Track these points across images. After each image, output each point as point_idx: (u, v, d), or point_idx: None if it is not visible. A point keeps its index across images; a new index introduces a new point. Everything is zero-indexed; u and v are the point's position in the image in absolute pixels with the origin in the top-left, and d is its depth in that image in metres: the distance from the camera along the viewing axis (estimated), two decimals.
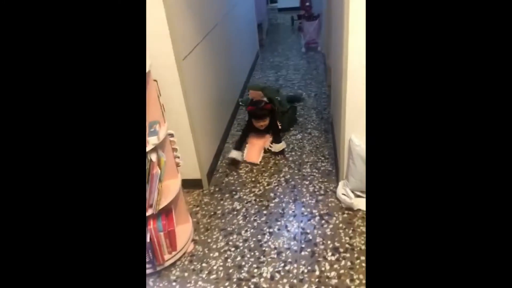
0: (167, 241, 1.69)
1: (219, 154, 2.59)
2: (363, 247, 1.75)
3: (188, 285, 1.67)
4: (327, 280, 1.62)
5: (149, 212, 1.55)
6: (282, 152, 2.53)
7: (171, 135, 1.76)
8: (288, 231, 1.90)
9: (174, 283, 1.69)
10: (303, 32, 4.67)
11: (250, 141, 2.61)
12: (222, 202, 2.16)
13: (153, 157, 1.49)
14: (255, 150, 2.55)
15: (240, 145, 2.52)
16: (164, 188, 1.71)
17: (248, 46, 4.09)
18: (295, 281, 1.63)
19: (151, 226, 1.59)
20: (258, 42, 4.65)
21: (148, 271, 1.69)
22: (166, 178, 1.75)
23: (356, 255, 1.72)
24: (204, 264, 1.77)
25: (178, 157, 1.85)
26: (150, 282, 1.70)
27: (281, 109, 2.80)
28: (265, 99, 2.65)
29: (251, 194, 2.20)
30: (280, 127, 2.68)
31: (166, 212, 1.76)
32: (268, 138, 2.60)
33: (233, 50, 3.18)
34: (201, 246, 1.88)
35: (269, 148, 2.53)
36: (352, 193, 2.00)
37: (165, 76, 1.88)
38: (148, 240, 1.56)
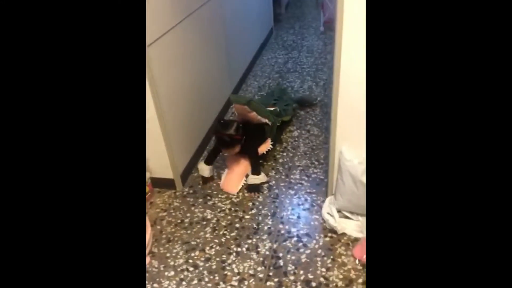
0: None
1: (201, 151, 2.32)
2: (340, 283, 1.47)
3: None
4: None
5: None
6: (257, 188, 1.95)
7: None
8: (257, 252, 1.64)
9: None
10: (323, 9, 4.21)
11: (228, 165, 2.07)
12: (193, 208, 1.93)
13: None
14: (232, 177, 2.01)
15: (210, 159, 2.03)
16: None
17: (259, 23, 3.70)
18: None
19: None
20: (273, 18, 4.24)
21: None
22: None
23: None
24: (155, 285, 1.55)
25: None
26: None
27: (282, 119, 2.29)
28: (253, 113, 1.99)
29: (227, 201, 1.94)
30: (269, 147, 2.05)
31: None
32: (248, 165, 2.02)
33: (233, 29, 2.83)
34: (158, 261, 1.66)
35: (249, 175, 1.97)
36: (338, 213, 1.70)
37: None
38: None
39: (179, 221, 1.86)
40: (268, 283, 1.51)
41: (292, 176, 2.06)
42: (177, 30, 1.90)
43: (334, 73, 1.48)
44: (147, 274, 1.60)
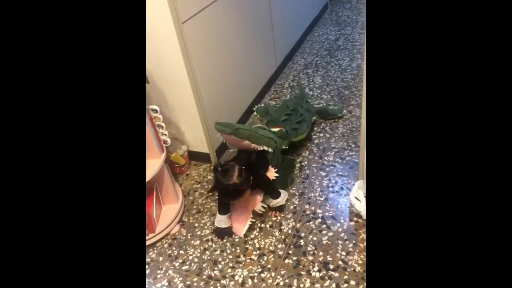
0: None
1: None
2: (358, 268, 1.45)
3: (159, 271, 1.59)
4: None
5: None
6: (280, 208, 1.73)
7: (155, 110, 1.59)
8: (280, 230, 1.66)
9: (146, 266, 1.63)
10: None
11: (233, 203, 1.69)
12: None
13: None
14: (238, 217, 1.69)
15: (225, 207, 1.66)
16: None
17: None
18: None
19: None
20: None
21: None
22: (146, 157, 1.62)
23: (345, 277, 1.42)
24: (181, 251, 1.66)
25: (165, 135, 1.69)
26: None
27: (291, 139, 1.95)
28: (246, 142, 1.63)
29: None
30: (274, 177, 1.70)
31: (147, 192, 1.66)
32: (258, 198, 1.68)
33: (280, 4, 2.76)
34: (186, 229, 1.76)
35: (260, 210, 1.67)
36: (365, 197, 1.64)
37: (161, 42, 1.67)
38: None
39: (210, 194, 1.94)
40: (286, 261, 1.53)
41: (325, 158, 2.02)
42: (215, 6, 1.92)
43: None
44: (175, 241, 1.71)
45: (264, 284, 1.46)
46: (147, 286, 1.54)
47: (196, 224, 1.78)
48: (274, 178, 1.70)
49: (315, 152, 2.08)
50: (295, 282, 1.45)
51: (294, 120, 2.01)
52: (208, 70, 1.93)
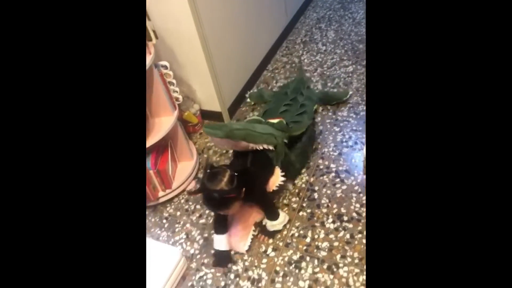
0: (159, 179, 1.64)
1: (253, 83, 2.33)
2: None
3: (177, 225, 1.65)
4: (315, 250, 1.42)
5: None
6: (272, 233, 1.49)
7: (165, 66, 1.57)
8: (293, 184, 1.68)
9: (164, 221, 1.68)
10: None
11: (238, 206, 1.35)
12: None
13: None
14: (236, 232, 1.49)
15: (220, 225, 1.44)
16: (155, 125, 1.60)
17: None
18: (281, 244, 1.47)
19: None
20: None
21: None
22: (158, 115, 1.63)
23: (359, 228, 1.45)
24: (198, 206, 1.70)
25: (177, 92, 1.68)
26: None
27: (291, 133, 1.62)
28: (242, 143, 1.38)
29: None
30: (281, 181, 1.47)
31: (162, 149, 1.68)
32: (259, 210, 1.50)
33: None
34: None
35: (263, 227, 1.50)
36: None
37: None
38: None
39: (224, 151, 1.95)
40: (301, 213, 1.56)
41: (339, 113, 1.99)
42: None
43: None
44: (191, 197, 1.75)
45: (279, 235, 1.49)
46: (166, 239, 1.59)
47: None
48: (282, 183, 1.47)
49: (328, 108, 2.05)
50: (309, 233, 1.48)
51: (294, 111, 1.77)
52: (217, 24, 1.88)
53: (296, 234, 1.49)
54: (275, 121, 1.60)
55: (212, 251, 1.48)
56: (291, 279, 1.35)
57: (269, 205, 1.47)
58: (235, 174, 1.25)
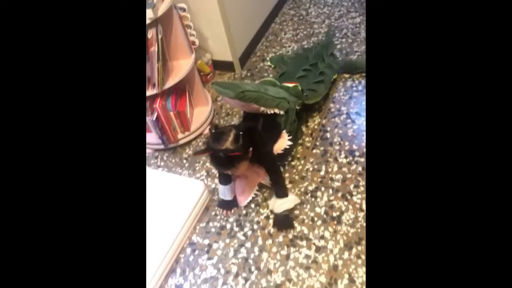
0: (178, 121, 1.71)
1: (262, 34, 2.37)
2: None
3: (197, 164, 1.73)
4: (329, 182, 1.52)
5: (152, 91, 1.54)
6: (287, 221, 1.40)
7: (183, 9, 1.61)
8: (307, 126, 1.76)
9: (184, 161, 1.77)
10: None
11: (245, 166, 1.33)
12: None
13: (150, 33, 1.40)
14: (242, 185, 1.50)
15: (224, 177, 1.44)
16: (174, 68, 1.65)
17: None
18: (296, 177, 1.57)
19: (157, 104, 1.60)
20: None
21: (159, 147, 1.78)
22: (176, 58, 1.68)
23: None
24: None
25: (194, 35, 1.73)
26: (164, 157, 1.81)
27: (305, 101, 1.63)
28: (253, 105, 1.35)
29: None
30: (287, 145, 1.45)
31: (180, 92, 1.74)
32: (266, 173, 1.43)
33: None
34: None
35: (269, 183, 1.46)
36: None
37: None
38: (154, 118, 1.59)
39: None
40: (314, 151, 1.65)
41: None
42: None
43: None
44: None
45: (295, 170, 1.59)
46: (187, 177, 1.68)
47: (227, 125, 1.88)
48: (287, 147, 1.45)
49: (338, 56, 2.10)
50: (323, 167, 1.57)
51: (312, 78, 1.71)
52: None
53: (311, 169, 1.58)
54: (290, 85, 1.58)
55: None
56: (308, 206, 1.45)
57: (277, 176, 1.40)
58: (241, 133, 1.23)
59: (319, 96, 1.70)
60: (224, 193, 1.48)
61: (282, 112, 1.44)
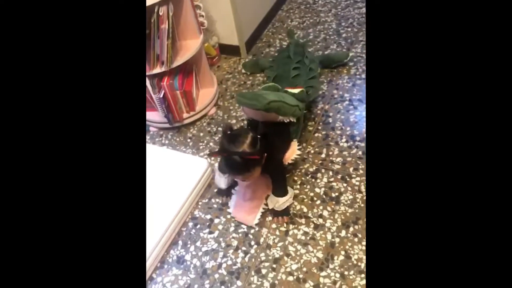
0: (184, 101, 1.74)
1: (268, 21, 2.39)
2: None
3: (200, 144, 1.77)
4: (330, 164, 1.56)
5: (160, 69, 1.57)
6: (285, 211, 1.39)
7: None
8: (310, 111, 1.79)
9: (188, 140, 1.80)
10: None
11: (239, 182, 1.40)
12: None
13: (161, 10, 1.43)
14: (246, 203, 1.42)
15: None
16: (182, 47, 1.68)
17: None
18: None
19: (164, 82, 1.63)
20: None
21: (164, 125, 1.82)
22: (185, 38, 1.71)
23: None
24: (219, 128, 1.82)
25: (203, 16, 1.75)
26: (169, 135, 1.85)
27: (310, 97, 1.66)
28: (273, 115, 1.32)
29: None
30: (297, 154, 1.43)
31: (187, 72, 1.77)
32: (269, 184, 1.42)
33: None
34: (222, 111, 1.91)
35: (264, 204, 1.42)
36: None
37: None
38: (161, 95, 1.63)
39: (242, 82, 2.05)
40: (316, 134, 1.69)
41: (353, 50, 2.08)
42: None
43: None
44: (213, 120, 1.87)
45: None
46: (192, 155, 1.72)
47: (231, 107, 1.92)
48: (298, 156, 1.43)
49: (343, 45, 2.13)
50: (324, 150, 1.61)
51: (305, 75, 1.70)
52: None
53: (312, 151, 1.62)
54: (296, 91, 1.52)
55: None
56: (308, 187, 1.50)
57: (281, 179, 1.38)
58: (258, 136, 1.19)
59: (317, 91, 1.74)
60: (220, 181, 1.45)
61: (294, 120, 1.39)
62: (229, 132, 1.21)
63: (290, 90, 1.51)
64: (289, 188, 1.39)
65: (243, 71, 2.09)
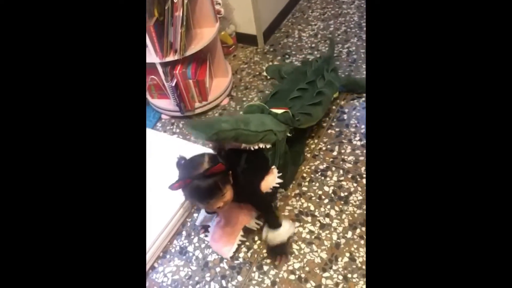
0: (197, 90, 1.72)
1: (289, 10, 2.33)
2: None
3: None
4: (341, 162, 1.51)
5: (173, 57, 1.55)
6: (282, 249, 1.26)
7: None
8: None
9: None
10: None
11: (229, 196, 1.11)
12: (270, 64, 2.04)
13: None
14: (224, 232, 1.30)
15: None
16: (197, 35, 1.66)
17: None
18: (308, 155, 1.57)
19: (177, 70, 1.61)
20: None
21: (176, 114, 1.80)
22: (200, 26, 1.68)
23: None
24: None
25: (219, 4, 1.71)
26: (180, 124, 1.84)
27: (299, 125, 1.42)
28: (242, 145, 1.21)
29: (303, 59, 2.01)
30: (276, 183, 1.29)
31: (201, 61, 1.75)
32: (252, 213, 1.30)
33: None
34: (235, 102, 1.88)
35: (255, 227, 1.32)
36: None
37: None
38: (173, 84, 1.61)
39: (257, 73, 2.01)
40: (329, 131, 1.64)
41: None
42: None
43: None
44: (225, 111, 1.85)
45: (307, 148, 1.59)
46: (201, 146, 1.71)
47: (244, 99, 1.88)
48: (277, 185, 1.28)
49: (363, 38, 2.05)
50: (336, 148, 1.57)
51: (308, 99, 1.48)
52: None
53: (324, 148, 1.58)
54: (279, 111, 1.37)
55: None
56: (317, 184, 1.46)
57: (267, 209, 1.24)
58: (222, 153, 1.11)
59: (314, 120, 1.49)
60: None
61: (268, 146, 1.26)
62: (182, 162, 1.10)
63: (274, 110, 1.38)
64: (286, 222, 1.23)
65: (265, 73, 1.97)
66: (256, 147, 1.22)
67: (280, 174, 1.29)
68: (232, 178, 1.11)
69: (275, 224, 1.22)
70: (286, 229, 1.22)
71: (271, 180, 1.27)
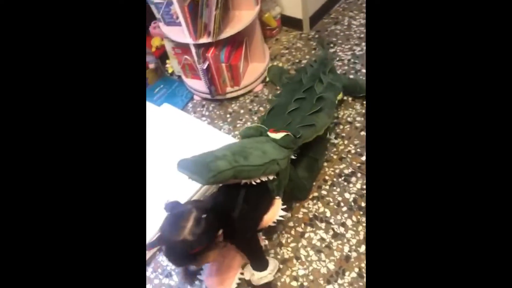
0: (229, 74, 1.68)
1: None
2: None
3: (238, 121, 1.72)
4: None
5: (207, 39, 1.51)
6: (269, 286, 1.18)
7: None
8: (362, 104, 1.62)
9: (228, 115, 1.76)
10: None
11: (213, 256, 0.98)
12: (313, 52, 1.93)
13: None
14: (221, 270, 1.15)
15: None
16: (234, 18, 1.59)
17: None
18: (335, 156, 1.48)
19: (210, 53, 1.57)
20: None
21: (207, 96, 1.78)
22: (239, 7, 1.61)
23: None
24: (261, 108, 1.74)
25: None
26: (210, 107, 1.82)
27: (303, 141, 1.27)
28: (242, 181, 1.06)
29: (349, 53, 1.87)
30: (281, 215, 1.16)
31: (237, 44, 1.69)
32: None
33: None
34: (268, 89, 1.82)
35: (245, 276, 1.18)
36: None
37: None
38: (205, 67, 1.58)
39: (297, 60, 1.91)
40: (362, 133, 1.53)
41: None
42: None
43: None
44: (256, 98, 1.79)
45: (334, 149, 1.50)
46: (227, 132, 1.68)
47: (278, 87, 1.81)
48: (281, 218, 1.16)
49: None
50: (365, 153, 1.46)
51: (307, 109, 1.32)
52: None
53: (353, 151, 1.48)
54: (278, 136, 1.20)
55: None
56: (338, 190, 1.38)
57: (257, 253, 1.14)
58: (204, 216, 0.93)
59: (320, 129, 1.31)
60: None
61: (271, 177, 1.11)
62: (168, 213, 0.97)
63: (271, 135, 1.21)
64: (272, 260, 1.17)
65: (265, 74, 1.83)
66: (258, 180, 1.07)
67: (285, 207, 1.16)
68: (223, 231, 0.98)
69: (263, 268, 1.13)
70: (271, 269, 1.14)
71: (274, 212, 1.14)
